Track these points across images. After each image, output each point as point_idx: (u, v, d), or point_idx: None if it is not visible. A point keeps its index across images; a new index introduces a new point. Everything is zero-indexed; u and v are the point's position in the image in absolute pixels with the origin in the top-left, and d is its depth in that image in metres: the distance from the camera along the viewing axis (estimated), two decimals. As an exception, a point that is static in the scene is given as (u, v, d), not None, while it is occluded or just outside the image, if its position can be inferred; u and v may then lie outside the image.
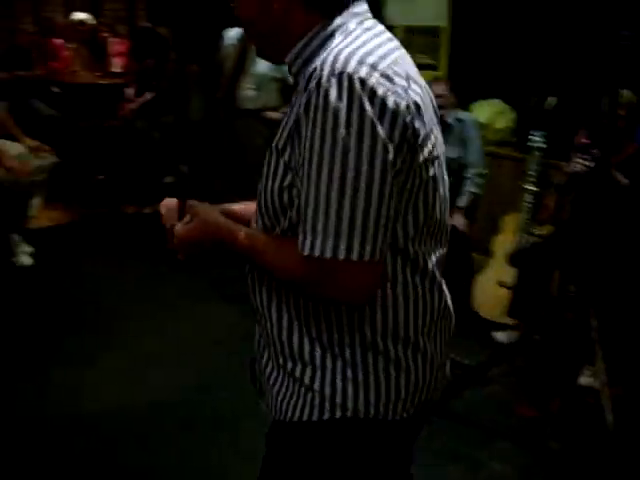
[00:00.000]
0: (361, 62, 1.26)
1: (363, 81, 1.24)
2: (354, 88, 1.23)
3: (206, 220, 1.48)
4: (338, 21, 1.38)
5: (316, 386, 1.40)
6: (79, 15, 7.83)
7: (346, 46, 1.31)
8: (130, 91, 6.57)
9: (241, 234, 1.41)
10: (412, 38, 5.99)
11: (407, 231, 1.35)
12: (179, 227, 1.50)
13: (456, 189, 4.55)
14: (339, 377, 1.38)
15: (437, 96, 4.65)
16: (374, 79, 1.25)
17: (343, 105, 1.23)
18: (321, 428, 1.41)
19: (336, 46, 1.32)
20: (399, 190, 1.30)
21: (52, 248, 5.41)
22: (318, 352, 1.40)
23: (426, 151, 1.33)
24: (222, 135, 5.07)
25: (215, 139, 4.33)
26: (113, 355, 3.91)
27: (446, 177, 1.45)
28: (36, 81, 6.93)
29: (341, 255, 1.25)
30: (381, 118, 1.24)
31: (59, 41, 7.70)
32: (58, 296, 4.64)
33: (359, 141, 1.23)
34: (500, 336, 4.23)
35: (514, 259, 4.30)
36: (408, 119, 1.27)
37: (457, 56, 5.59)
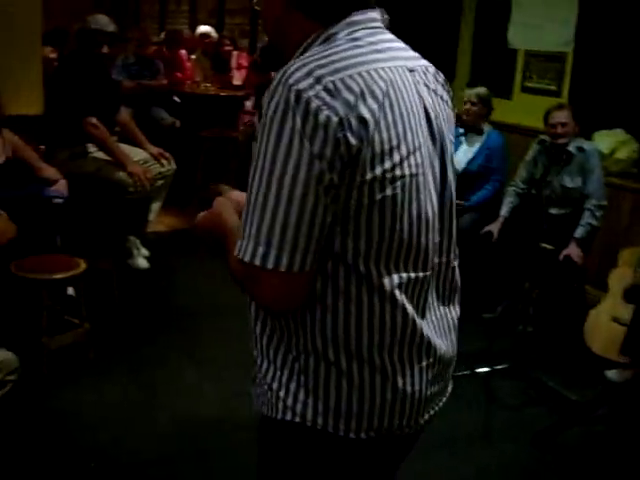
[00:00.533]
0: (309, 74, 1.25)
1: (299, 94, 1.23)
2: (289, 101, 1.23)
3: (219, 212, 1.51)
4: (331, 30, 1.36)
5: (274, 386, 1.41)
6: (203, 28, 8.06)
7: (312, 55, 1.29)
8: (249, 103, 6.70)
9: (233, 236, 1.38)
10: (533, 63, 5.91)
11: (358, 248, 1.31)
12: (202, 213, 1.55)
13: (574, 219, 4.45)
14: (294, 381, 1.38)
15: (559, 124, 4.59)
16: (312, 92, 1.23)
17: (277, 117, 1.24)
18: (279, 427, 1.42)
19: (308, 56, 1.30)
20: (343, 207, 1.27)
21: (166, 253, 5.57)
22: (280, 353, 1.40)
23: (369, 172, 1.26)
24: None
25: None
26: (217, 357, 3.98)
27: (434, 199, 1.40)
28: (160, 90, 7.17)
29: (257, 262, 1.26)
30: (312, 133, 1.22)
31: (183, 52, 7.95)
32: (168, 299, 4.78)
33: (286, 155, 1.23)
34: (612, 374, 4.08)
35: (630, 295, 4.15)
36: (340, 134, 1.23)
37: (580, 83, 5.47)
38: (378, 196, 1.29)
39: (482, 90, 5.11)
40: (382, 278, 1.34)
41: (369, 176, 1.27)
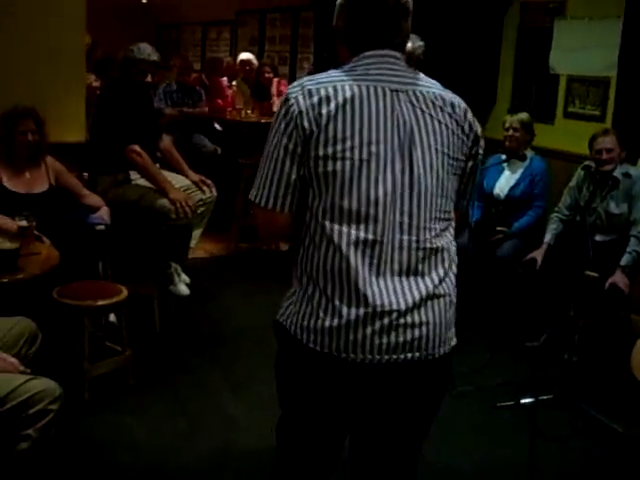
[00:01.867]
0: (300, 83, 1.89)
1: (287, 95, 1.88)
2: (282, 100, 1.91)
3: None
4: (352, 59, 1.95)
5: (285, 299, 1.97)
6: (244, 55, 8.12)
7: (316, 76, 1.93)
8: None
9: None
10: (575, 88, 5.85)
11: (320, 207, 1.85)
12: None
13: (619, 246, 4.38)
14: (290, 298, 1.94)
15: (605, 149, 4.53)
16: (294, 94, 1.86)
17: (277, 110, 1.92)
18: (280, 327, 1.96)
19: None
20: (307, 173, 1.85)
21: (207, 279, 5.58)
22: (293, 280, 1.95)
23: (322, 149, 1.82)
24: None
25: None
26: (257, 386, 3.96)
27: (389, 183, 1.84)
28: (201, 118, 7.23)
29: (252, 199, 1.93)
30: (283, 118, 1.86)
31: (224, 80, 8.02)
32: (208, 326, 4.79)
33: (272, 130, 1.89)
34: (660, 405, 3.99)
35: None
36: (298, 121, 1.83)
37: (624, 108, 5.39)
38: (329, 168, 1.82)
39: (524, 116, 5.06)
40: (336, 233, 1.83)
41: (321, 152, 1.82)
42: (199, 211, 4.82)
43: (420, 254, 1.86)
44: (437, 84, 1.98)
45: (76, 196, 4.28)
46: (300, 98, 1.84)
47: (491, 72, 6.60)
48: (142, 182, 4.66)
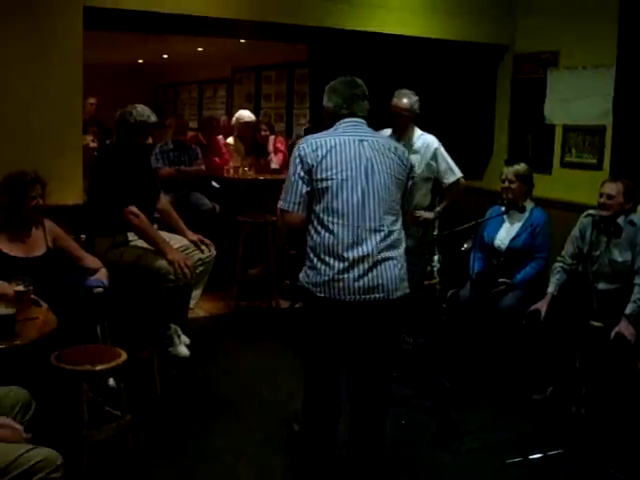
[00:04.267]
0: (306, 139, 3.29)
1: (299, 145, 3.26)
2: (296, 147, 3.27)
3: None
4: (337, 124, 3.35)
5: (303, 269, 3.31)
6: (240, 113, 8.16)
7: (315, 135, 3.33)
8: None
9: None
10: (572, 137, 5.88)
11: (318, 208, 3.19)
12: None
13: (624, 295, 4.33)
14: (305, 266, 3.27)
15: (606, 195, 4.53)
16: (302, 145, 3.25)
17: (293, 153, 3.28)
18: (299, 287, 3.30)
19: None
20: (312, 189, 3.19)
21: (206, 339, 5.52)
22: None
23: (319, 175, 3.18)
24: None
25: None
26: (259, 449, 3.89)
27: (359, 194, 3.18)
28: (198, 176, 7.23)
29: (280, 206, 3.26)
30: (297, 157, 3.21)
31: (220, 137, 8.05)
32: (209, 388, 4.74)
33: (291, 165, 3.25)
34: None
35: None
36: (304, 160, 3.19)
37: (621, 155, 5.41)
38: (324, 185, 3.17)
39: (520, 168, 5.05)
40: (326, 221, 3.17)
41: (319, 177, 3.18)
42: (198, 271, 4.78)
43: (381, 234, 3.20)
44: (384, 137, 3.79)
45: (74, 258, 4.25)
46: (305, 147, 3.24)
47: (487, 124, 6.65)
48: (140, 243, 4.63)
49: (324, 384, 3.36)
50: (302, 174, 3.18)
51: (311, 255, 3.20)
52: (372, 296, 3.13)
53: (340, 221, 3.14)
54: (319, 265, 3.15)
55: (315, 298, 3.17)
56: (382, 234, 3.17)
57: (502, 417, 4.32)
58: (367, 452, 3.36)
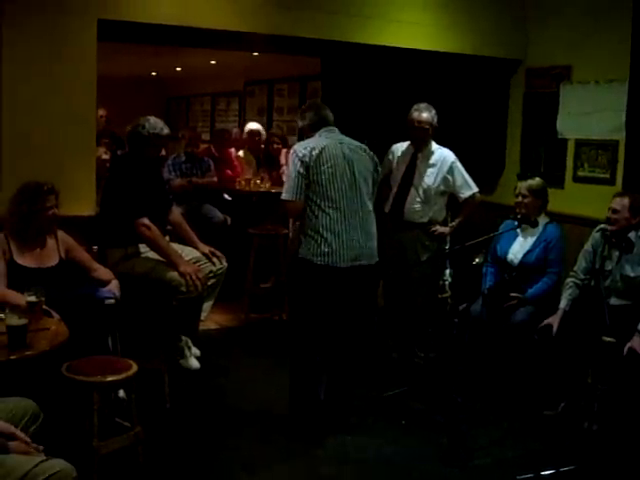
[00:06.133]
0: (299, 144, 4.22)
1: (295, 149, 4.16)
2: (293, 152, 4.16)
3: None
4: (317, 133, 4.28)
5: (299, 245, 4.18)
6: (251, 125, 8.18)
7: (307, 140, 4.25)
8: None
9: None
10: (584, 151, 5.86)
11: (314, 196, 4.09)
12: None
13: (636, 310, 4.31)
14: (303, 242, 4.13)
15: (611, 209, 4.52)
16: (298, 149, 4.13)
17: (290, 157, 4.20)
18: (299, 259, 4.16)
19: (306, 140, 4.26)
20: (309, 182, 4.07)
21: (217, 351, 5.52)
22: (302, 232, 4.16)
23: (316, 169, 4.06)
24: (388, 248, 5.06)
25: (381, 252, 4.40)
26: (269, 462, 3.87)
27: (346, 184, 4.15)
28: (210, 188, 7.25)
29: (283, 197, 4.17)
30: (294, 160, 4.09)
31: (232, 150, 8.07)
32: (219, 400, 4.74)
33: (291, 164, 4.13)
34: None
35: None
36: (303, 160, 4.06)
37: (634, 170, 5.39)
38: (318, 177, 4.08)
39: (534, 182, 5.04)
40: (323, 206, 4.09)
41: (315, 171, 4.08)
42: (209, 283, 4.79)
43: (364, 214, 4.19)
44: (354, 140, 4.34)
45: (86, 270, 4.26)
46: (302, 150, 4.09)
47: (499, 138, 6.63)
48: (152, 255, 4.64)
49: (310, 344, 4.20)
50: (302, 171, 4.05)
51: (311, 232, 4.09)
52: (359, 262, 4.15)
53: (334, 205, 4.09)
54: (319, 240, 4.06)
55: (314, 266, 4.07)
56: (364, 215, 4.20)
57: (513, 433, 4.29)
58: (339, 392, 4.31)
